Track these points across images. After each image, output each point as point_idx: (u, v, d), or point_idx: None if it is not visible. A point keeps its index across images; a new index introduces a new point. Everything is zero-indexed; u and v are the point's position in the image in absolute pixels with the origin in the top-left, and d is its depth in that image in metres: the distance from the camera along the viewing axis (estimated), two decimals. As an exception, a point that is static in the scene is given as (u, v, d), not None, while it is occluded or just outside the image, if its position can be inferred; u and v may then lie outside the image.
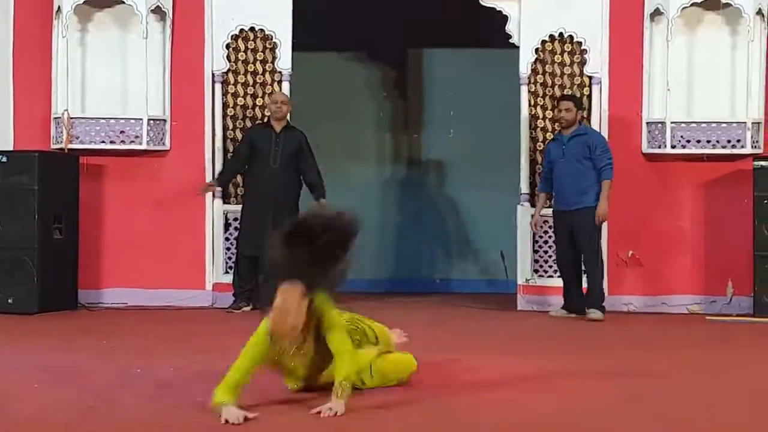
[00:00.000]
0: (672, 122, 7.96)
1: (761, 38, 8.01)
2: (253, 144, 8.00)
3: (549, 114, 8.26)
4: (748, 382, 5.07)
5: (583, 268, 7.70)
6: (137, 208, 8.32)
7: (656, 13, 8.07)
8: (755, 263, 7.74)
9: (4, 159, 7.76)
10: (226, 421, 3.75)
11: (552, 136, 8.23)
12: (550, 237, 8.24)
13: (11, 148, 8.15)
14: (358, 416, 4.07)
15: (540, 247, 8.27)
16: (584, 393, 4.70)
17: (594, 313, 7.46)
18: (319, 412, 4.03)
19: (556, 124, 7.92)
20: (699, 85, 8.16)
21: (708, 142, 8.01)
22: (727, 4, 7.92)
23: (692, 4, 7.94)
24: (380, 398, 4.40)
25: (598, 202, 7.49)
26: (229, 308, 7.98)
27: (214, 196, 8.30)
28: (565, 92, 8.21)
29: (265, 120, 8.18)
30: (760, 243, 7.69)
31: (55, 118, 8.20)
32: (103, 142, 8.18)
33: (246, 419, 3.77)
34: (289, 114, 8.08)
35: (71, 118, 8.13)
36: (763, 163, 7.75)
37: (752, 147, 7.95)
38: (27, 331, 6.86)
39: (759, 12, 7.94)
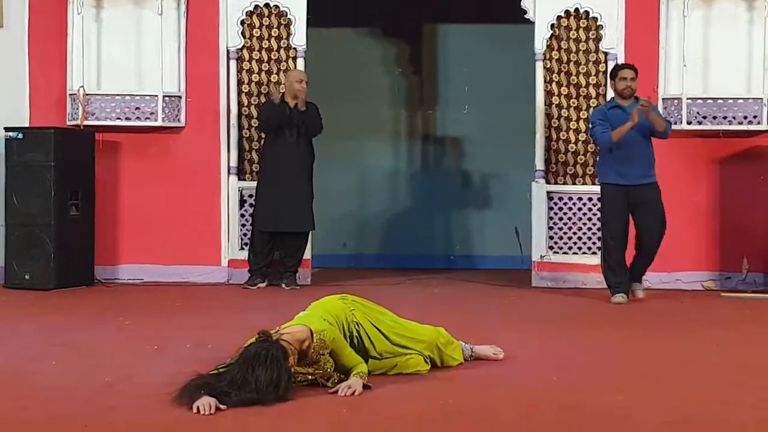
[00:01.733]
0: (688, 98, 7.89)
1: (778, 14, 7.93)
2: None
3: (564, 90, 8.21)
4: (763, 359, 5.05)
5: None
6: (153, 185, 8.34)
7: (673, -12, 8.00)
8: (770, 239, 7.71)
9: (20, 136, 7.78)
10: (198, 410, 3.69)
11: (566, 113, 8.19)
12: (565, 214, 8.22)
13: (27, 125, 8.15)
14: (374, 394, 4.07)
15: (555, 224, 8.24)
16: (598, 372, 4.69)
17: (642, 292, 7.30)
18: (336, 392, 4.04)
19: (616, 94, 7.34)
20: (715, 61, 8.08)
21: (724, 118, 7.94)
22: (744, -21, 7.85)
23: (709, -20, 7.87)
24: (394, 377, 4.40)
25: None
26: (244, 284, 7.99)
27: (229, 172, 8.29)
28: (580, 68, 8.16)
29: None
30: (776, 219, 7.65)
31: (71, 94, 8.20)
32: (119, 118, 8.18)
33: (218, 408, 3.73)
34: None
35: (87, 94, 8.13)
36: (779, 139, 7.70)
37: (768, 123, 7.90)
38: (44, 307, 6.89)
39: (776, -13, 7.86)
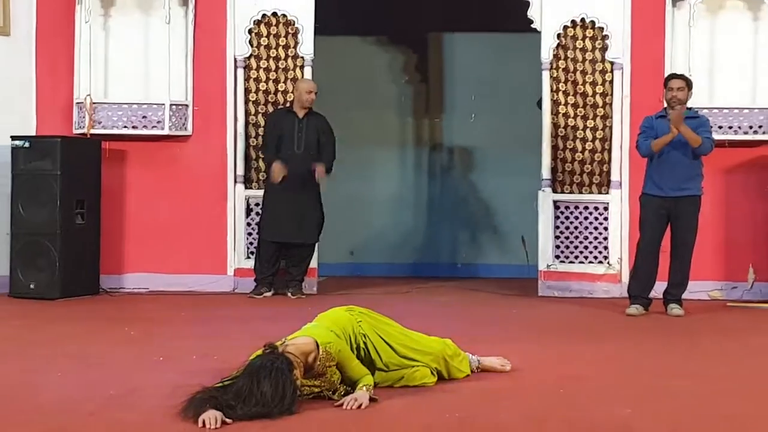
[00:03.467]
0: (694, 108, 7.83)
1: (784, 23, 7.90)
2: (274, 127, 7.95)
3: (571, 100, 8.18)
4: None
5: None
6: (159, 193, 8.32)
7: (678, -2, 7.98)
8: (777, 249, 7.67)
9: (27, 144, 7.75)
10: (203, 423, 3.65)
11: (573, 123, 8.16)
12: (571, 223, 8.19)
13: (34, 134, 8.15)
14: (381, 407, 4.04)
15: (561, 233, 8.21)
16: (605, 384, 4.65)
17: (678, 309, 7.06)
18: (342, 404, 4.01)
19: (666, 105, 7.15)
20: (720, 71, 8.05)
21: (730, 128, 7.92)
22: (750, -10, 7.82)
23: (715, -10, 7.85)
24: (401, 390, 4.37)
25: (701, 193, 7.07)
26: (251, 294, 7.95)
27: (236, 181, 8.27)
28: (586, 78, 8.13)
29: (288, 105, 8.13)
30: (783, 229, 7.61)
31: (78, 103, 8.18)
32: (126, 127, 8.16)
33: (223, 422, 3.69)
34: (310, 99, 8.05)
35: (94, 103, 8.11)
36: (785, 149, 7.66)
37: (774, 133, 7.87)
38: (49, 317, 6.86)
39: (782, -3, 7.83)
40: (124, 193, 8.33)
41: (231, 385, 3.90)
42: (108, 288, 8.07)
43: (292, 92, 8.20)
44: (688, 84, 7.14)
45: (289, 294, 7.92)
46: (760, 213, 8.00)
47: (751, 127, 7.90)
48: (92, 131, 8.10)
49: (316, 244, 8.14)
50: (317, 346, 4.08)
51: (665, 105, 7.14)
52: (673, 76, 7.23)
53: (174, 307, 7.32)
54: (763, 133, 7.85)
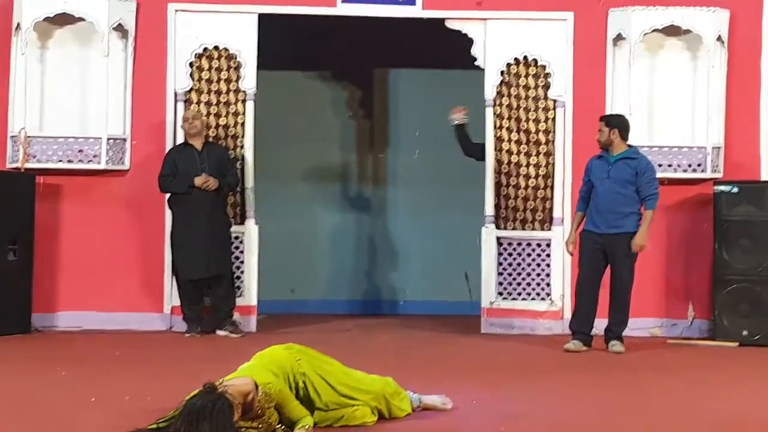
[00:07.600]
0: (634, 146, 7.92)
1: (721, 64, 8.05)
2: (176, 165, 7.81)
3: (514, 136, 8.24)
4: (713, 407, 5.04)
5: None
6: (95, 229, 8.17)
7: (618, 38, 8.09)
8: (715, 286, 7.77)
9: (-41, 178, 7.60)
10: None
11: (516, 159, 8.22)
12: (514, 259, 8.22)
13: (-33, 167, 8.00)
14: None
15: (504, 269, 8.23)
16: (546, 422, 4.64)
17: (618, 346, 7.08)
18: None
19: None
20: (660, 110, 8.19)
21: (669, 166, 8.02)
22: (688, 31, 7.96)
23: (653, 30, 7.98)
24: (341, 429, 4.33)
25: (638, 229, 7.08)
26: (186, 333, 7.81)
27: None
28: (529, 115, 8.20)
29: (183, 141, 7.98)
30: (720, 266, 7.70)
31: (12, 136, 8.04)
32: (61, 161, 8.03)
33: None
34: (208, 130, 8.05)
35: (28, 136, 7.97)
36: (723, 187, 7.76)
37: (712, 171, 7.98)
38: (-23, 356, 6.69)
39: (719, 38, 7.98)
40: (58, 228, 8.18)
41: (167, 426, 3.81)
42: (40, 326, 7.90)
43: (234, 126, 8.16)
44: (608, 123, 7.21)
45: (226, 332, 7.77)
46: (699, 251, 8.09)
47: (690, 165, 8.01)
48: (26, 165, 7.95)
49: (254, 279, 8.02)
50: (256, 386, 4.02)
51: None
52: (600, 118, 7.35)
53: (108, 346, 7.16)
54: (702, 171, 7.97)
